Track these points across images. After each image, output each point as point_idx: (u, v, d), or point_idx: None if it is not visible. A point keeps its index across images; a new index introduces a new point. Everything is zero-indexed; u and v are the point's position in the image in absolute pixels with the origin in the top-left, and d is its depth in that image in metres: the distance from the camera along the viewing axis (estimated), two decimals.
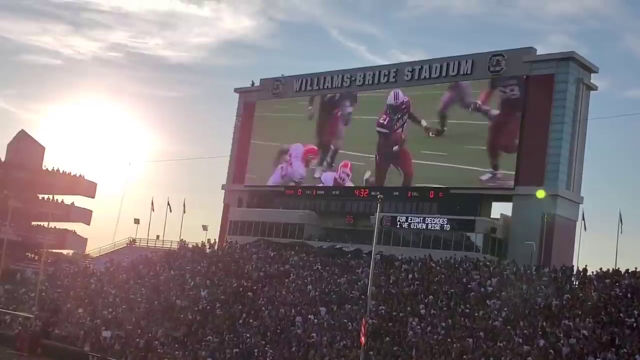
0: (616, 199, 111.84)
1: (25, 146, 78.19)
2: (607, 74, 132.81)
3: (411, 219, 56.87)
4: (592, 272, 43.09)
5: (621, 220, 48.30)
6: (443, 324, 39.22)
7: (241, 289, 51.73)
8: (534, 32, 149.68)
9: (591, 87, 56.08)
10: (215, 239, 69.44)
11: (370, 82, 64.77)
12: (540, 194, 51.84)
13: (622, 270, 42.21)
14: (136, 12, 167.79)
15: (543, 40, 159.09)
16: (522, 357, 33.97)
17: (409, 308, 42.48)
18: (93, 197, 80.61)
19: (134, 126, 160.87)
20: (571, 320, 36.57)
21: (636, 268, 41.50)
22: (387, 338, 38.85)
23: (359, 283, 48.31)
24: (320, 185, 66.28)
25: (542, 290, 41.37)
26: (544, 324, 36.68)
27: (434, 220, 55.89)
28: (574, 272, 44.45)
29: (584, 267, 44.07)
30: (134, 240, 77.99)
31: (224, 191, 74.59)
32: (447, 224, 55.01)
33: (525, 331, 36.36)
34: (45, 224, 67.43)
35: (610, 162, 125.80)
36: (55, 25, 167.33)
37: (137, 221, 77.01)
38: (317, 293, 48.19)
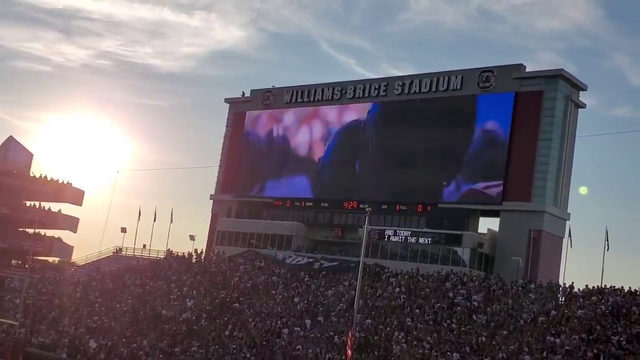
0: (603, 217, 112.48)
1: (13, 152, 77.74)
2: (595, 91, 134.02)
3: (399, 233, 56.96)
4: (578, 289, 43.29)
5: (607, 238, 48.52)
6: (429, 338, 39.24)
7: (228, 299, 51.60)
8: (523, 49, 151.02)
9: (579, 105, 56.49)
10: (202, 249, 69.24)
11: (360, 96, 64.96)
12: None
13: (608, 287, 42.40)
14: (126, 21, 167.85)
15: (531, 57, 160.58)
16: None
17: (395, 322, 42.50)
18: (80, 205, 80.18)
19: (122, 134, 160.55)
20: (557, 336, 36.68)
21: (622, 286, 41.76)
22: (375, 352, 38.83)
23: (346, 296, 48.31)
24: (309, 197, 66.47)
25: (528, 306, 41.52)
26: (530, 339, 36.78)
27: (421, 234, 56.02)
28: (560, 289, 44.63)
29: (570, 283, 44.32)
30: (120, 249, 77.65)
31: (212, 201, 74.49)
32: (434, 238, 55.13)
33: (510, 347, 36.42)
34: (32, 231, 66.98)
35: (598, 179, 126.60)
36: (45, 32, 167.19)
37: (124, 230, 76.74)
38: (304, 305, 48.12)
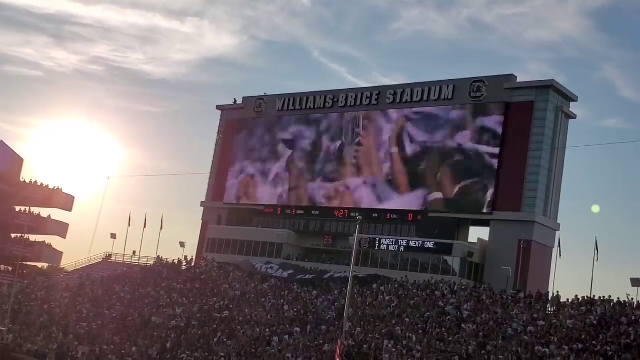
0: (592, 227, 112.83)
1: (3, 157, 77.39)
2: (585, 102, 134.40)
3: (389, 241, 56.96)
4: (567, 299, 43.43)
5: (597, 248, 48.69)
6: (418, 347, 39.25)
7: (217, 307, 51.47)
8: (513, 59, 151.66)
9: (570, 116, 56.79)
10: (192, 256, 69.15)
11: (352, 104, 65.08)
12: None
13: (597, 298, 42.54)
14: (118, 27, 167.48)
15: (522, 67, 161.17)
16: None
17: (384, 330, 42.49)
18: (70, 211, 79.77)
19: (113, 140, 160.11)
20: (545, 346, 36.76)
21: (610, 296, 41.93)
22: None
23: (335, 304, 48.27)
24: (300, 205, 66.48)
25: (517, 316, 41.59)
26: (519, 349, 36.83)
27: (411, 243, 56.07)
28: (549, 299, 44.74)
29: (558, 293, 44.47)
30: (110, 255, 77.35)
31: (202, 208, 74.39)
32: (424, 247, 55.18)
33: (499, 356, 36.48)
34: (21, 236, 66.59)
35: (587, 190, 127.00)
36: (37, 37, 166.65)
37: (113, 236, 76.47)
38: (293, 313, 48.05)
